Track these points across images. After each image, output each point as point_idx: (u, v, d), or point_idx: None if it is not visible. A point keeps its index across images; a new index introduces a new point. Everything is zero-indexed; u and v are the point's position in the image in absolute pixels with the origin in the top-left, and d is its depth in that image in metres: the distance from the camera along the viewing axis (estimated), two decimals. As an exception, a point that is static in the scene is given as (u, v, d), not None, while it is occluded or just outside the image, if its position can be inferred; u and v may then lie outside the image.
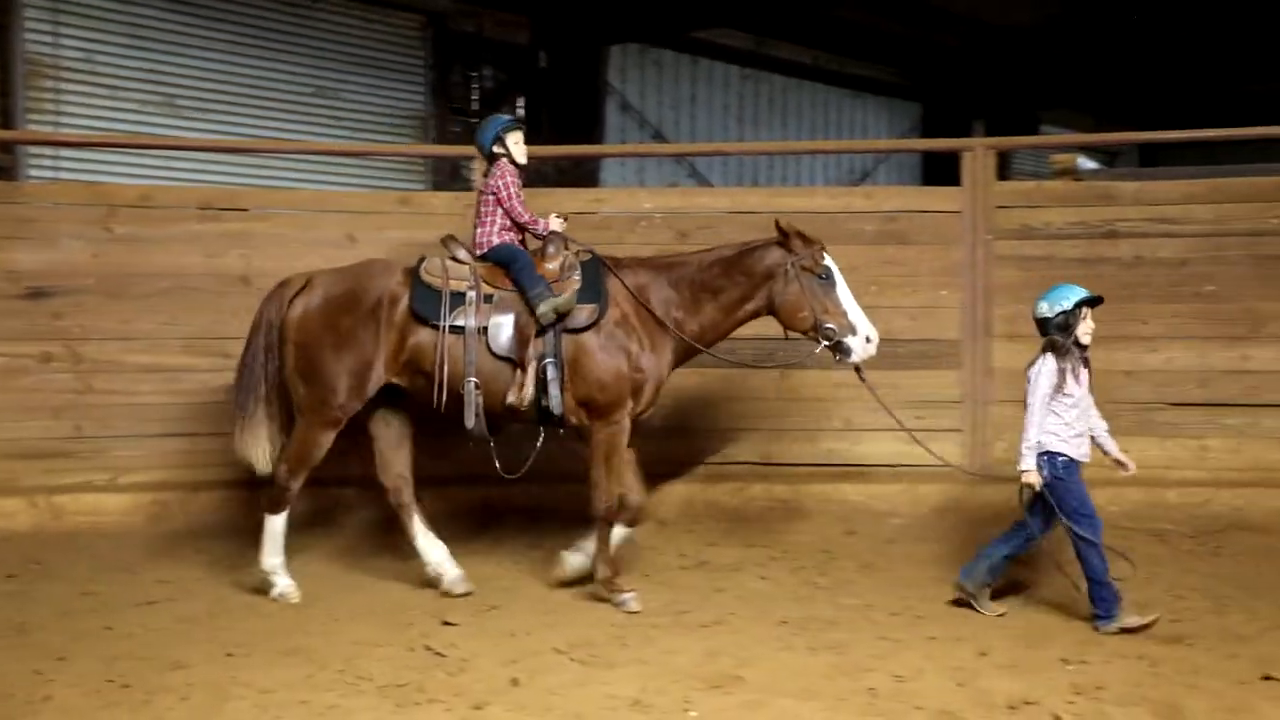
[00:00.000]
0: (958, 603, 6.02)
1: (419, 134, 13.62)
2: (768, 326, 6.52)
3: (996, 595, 6.03)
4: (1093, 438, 5.93)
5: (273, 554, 6.37)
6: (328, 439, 6.38)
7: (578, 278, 6.30)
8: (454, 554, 6.50)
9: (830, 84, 18.48)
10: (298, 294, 6.47)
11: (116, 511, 7.74)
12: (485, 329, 6.24)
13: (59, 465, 7.82)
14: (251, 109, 12.42)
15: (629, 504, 6.44)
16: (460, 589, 6.31)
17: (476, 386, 6.23)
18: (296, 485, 6.39)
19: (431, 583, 6.40)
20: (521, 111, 14.19)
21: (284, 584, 6.31)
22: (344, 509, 7.96)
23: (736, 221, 8.17)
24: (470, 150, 7.24)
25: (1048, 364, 5.77)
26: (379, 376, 6.32)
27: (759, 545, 7.21)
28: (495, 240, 6.47)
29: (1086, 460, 5.86)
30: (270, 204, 8.63)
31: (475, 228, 6.56)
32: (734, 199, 8.96)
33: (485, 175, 6.65)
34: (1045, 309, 5.83)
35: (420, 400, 6.39)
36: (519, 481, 6.47)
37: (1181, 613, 5.96)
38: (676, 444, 7.97)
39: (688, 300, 6.37)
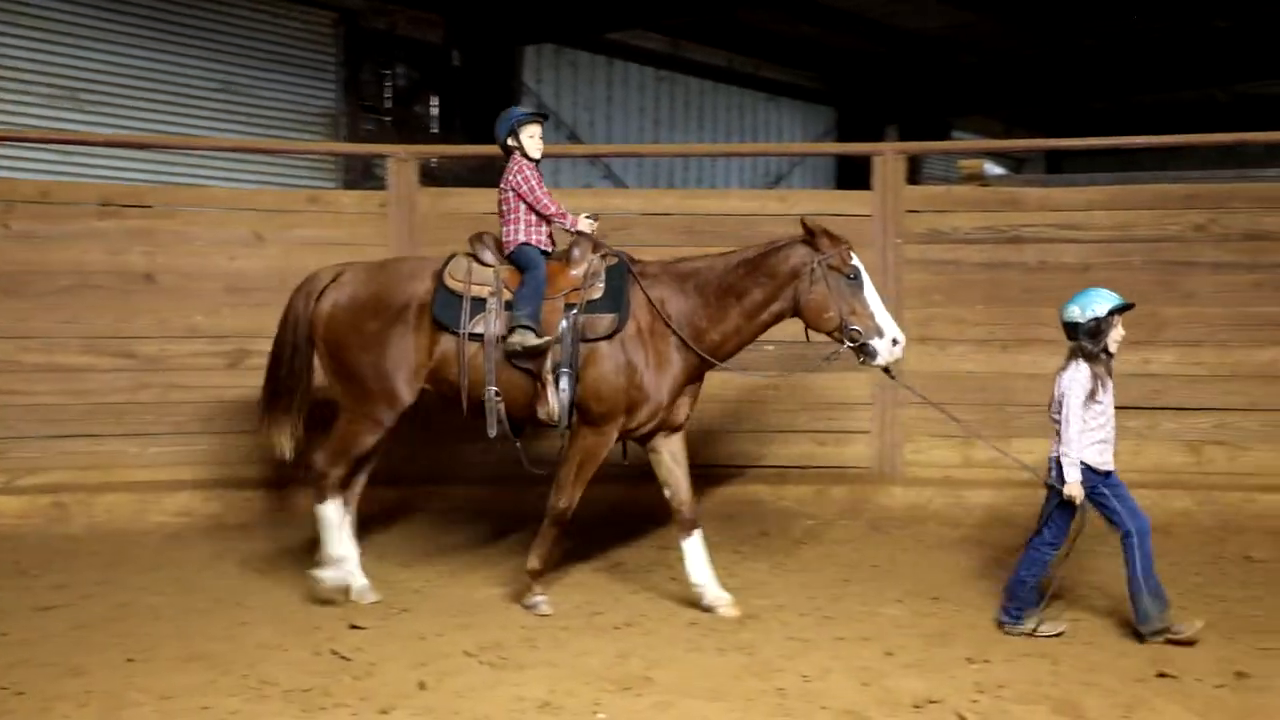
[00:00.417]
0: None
1: (330, 132, 13.45)
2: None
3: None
4: None
5: (335, 545, 6.20)
6: (370, 438, 6.26)
7: (601, 285, 6.12)
8: (366, 555, 6.45)
9: (746, 87, 18.58)
10: (326, 288, 6.36)
11: (12, 514, 7.57)
12: (504, 337, 6.06)
13: (-48, 467, 7.59)
14: (157, 104, 12.16)
15: (683, 518, 6.27)
16: (369, 599, 6.22)
17: (497, 394, 6.10)
18: (337, 473, 6.25)
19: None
20: (435, 111, 14.10)
21: (358, 583, 6.19)
22: (253, 512, 7.87)
23: (650, 223, 8.22)
24: (382, 148, 7.17)
25: (1081, 371, 5.62)
26: (414, 382, 6.21)
27: (672, 547, 7.18)
28: (521, 239, 6.28)
29: (1112, 469, 5.70)
30: (175, 201, 8.52)
31: (501, 226, 6.39)
32: (648, 200, 8.97)
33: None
34: (1077, 314, 5.65)
35: (449, 404, 6.29)
36: (436, 483, 6.47)
37: (1080, 611, 6.07)
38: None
39: (713, 306, 6.12)
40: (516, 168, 6.31)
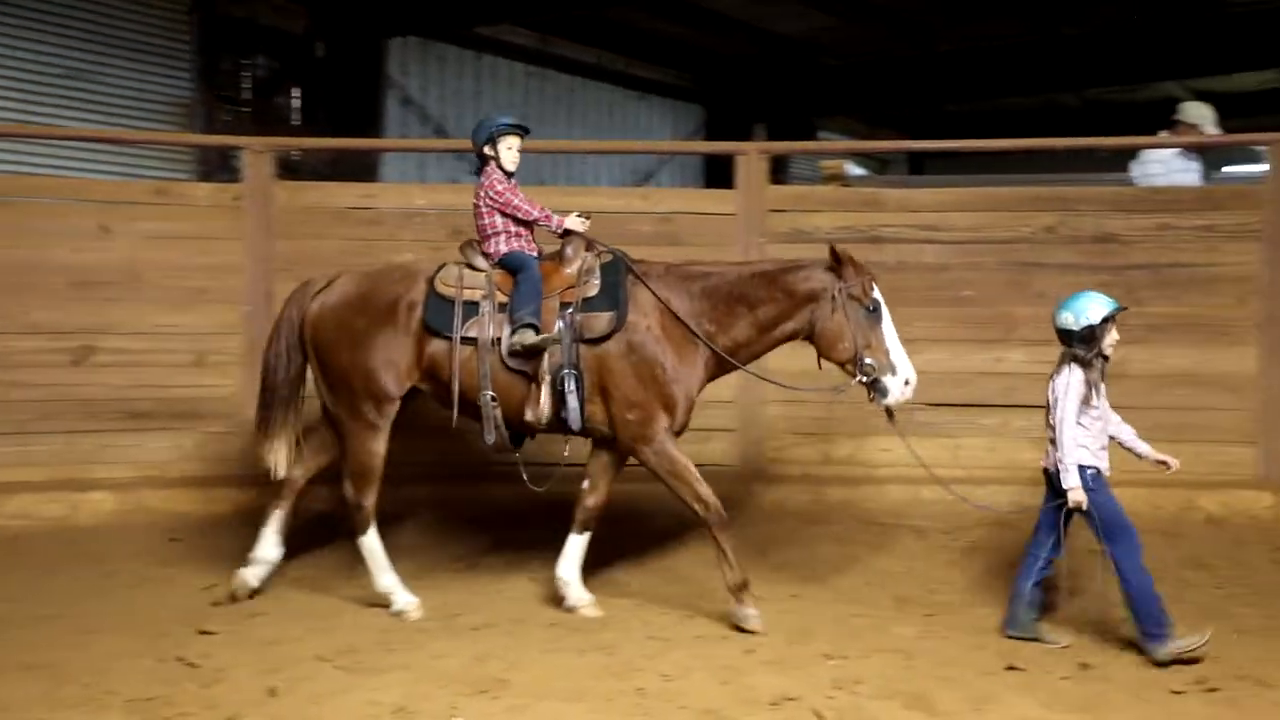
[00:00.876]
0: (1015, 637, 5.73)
1: (185, 122, 13.03)
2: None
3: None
4: (1123, 444, 5.80)
5: (381, 573, 6.11)
6: (377, 446, 6.09)
7: (597, 282, 5.98)
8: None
9: (616, 85, 18.56)
10: (317, 294, 6.21)
11: None
12: (499, 340, 5.94)
13: None
14: (-2, 91, 11.66)
15: (585, 504, 6.23)
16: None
17: (494, 399, 5.96)
18: (369, 502, 6.12)
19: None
20: (297, 102, 13.79)
21: (404, 601, 6.04)
22: (101, 514, 7.60)
23: (511, 219, 8.13)
24: (235, 140, 6.98)
25: (1075, 375, 5.57)
26: (401, 379, 6.06)
27: (532, 547, 7.15)
28: (504, 249, 6.13)
29: (1108, 472, 5.68)
30: (12, 191, 8.17)
31: (481, 239, 6.21)
32: (512, 197, 8.86)
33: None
34: (1070, 320, 5.60)
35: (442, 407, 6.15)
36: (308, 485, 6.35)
37: (935, 606, 6.20)
38: (449, 442, 7.86)
39: (721, 313, 5.98)
40: (488, 181, 6.18)
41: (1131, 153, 8.97)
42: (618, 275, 6.02)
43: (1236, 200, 7.95)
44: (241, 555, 6.33)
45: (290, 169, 11.23)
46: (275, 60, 13.69)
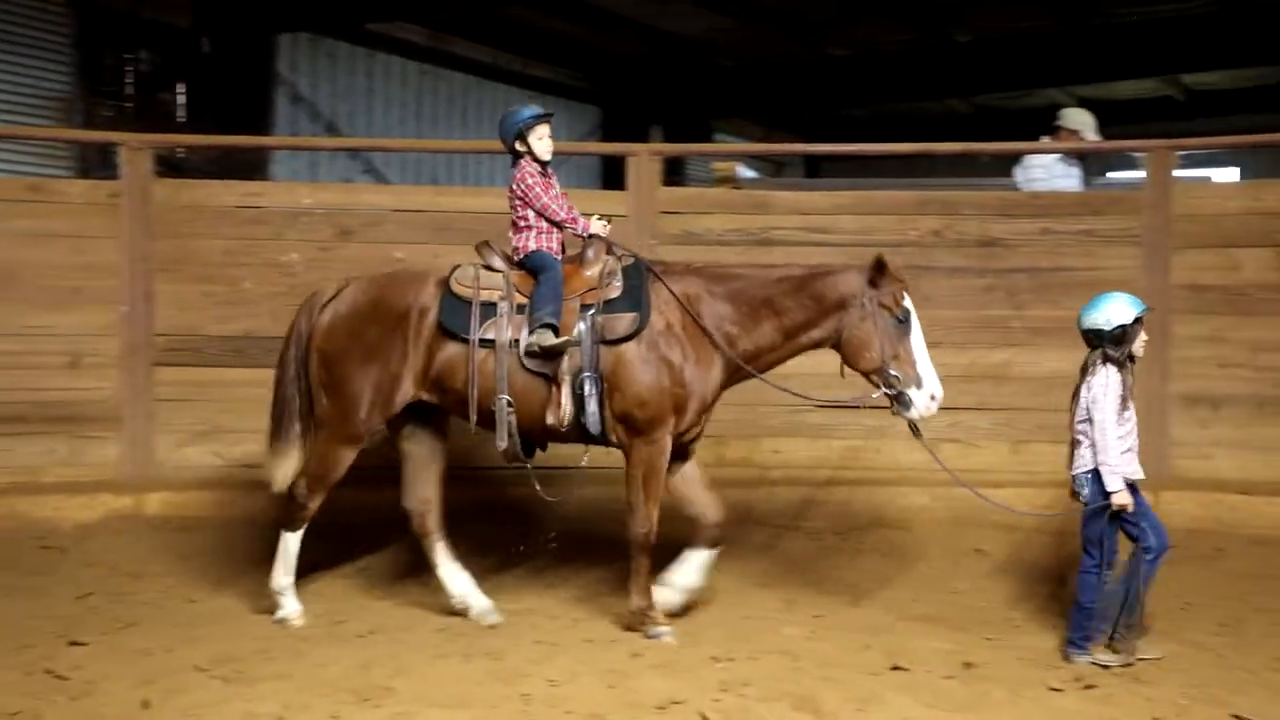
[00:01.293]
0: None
1: (62, 117, 12.66)
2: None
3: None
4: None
5: (284, 574, 5.97)
6: (348, 456, 5.97)
7: (619, 284, 5.84)
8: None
9: (512, 84, 18.48)
10: (327, 303, 6.02)
11: None
12: (517, 342, 5.78)
13: None
14: None
15: (706, 523, 6.03)
16: (490, 620, 5.95)
17: (509, 404, 5.80)
18: (315, 504, 5.98)
19: (458, 613, 6.05)
20: (182, 99, 13.49)
21: (290, 608, 5.88)
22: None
23: (401, 220, 8.05)
24: (112, 136, 6.79)
25: (1111, 378, 5.45)
26: (406, 392, 5.89)
27: (420, 551, 7.05)
28: (532, 246, 5.98)
29: (1141, 477, 5.55)
30: None
31: (511, 234, 6.07)
32: (399, 196, 8.75)
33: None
34: (1101, 320, 5.49)
35: (456, 416, 5.99)
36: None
37: (823, 607, 6.23)
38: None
39: (745, 316, 5.84)
40: (521, 174, 6.04)
41: (1016, 157, 9.14)
42: (640, 278, 5.91)
43: (1115, 206, 8.12)
44: (116, 563, 6.16)
45: (175, 167, 10.97)
46: (159, 55, 13.39)
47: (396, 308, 5.97)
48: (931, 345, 5.84)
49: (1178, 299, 7.79)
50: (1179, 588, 6.42)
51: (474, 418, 5.88)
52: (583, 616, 6.02)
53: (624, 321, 5.78)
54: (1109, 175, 15.75)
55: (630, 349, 5.78)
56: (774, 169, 20.64)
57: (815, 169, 21.67)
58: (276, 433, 6.12)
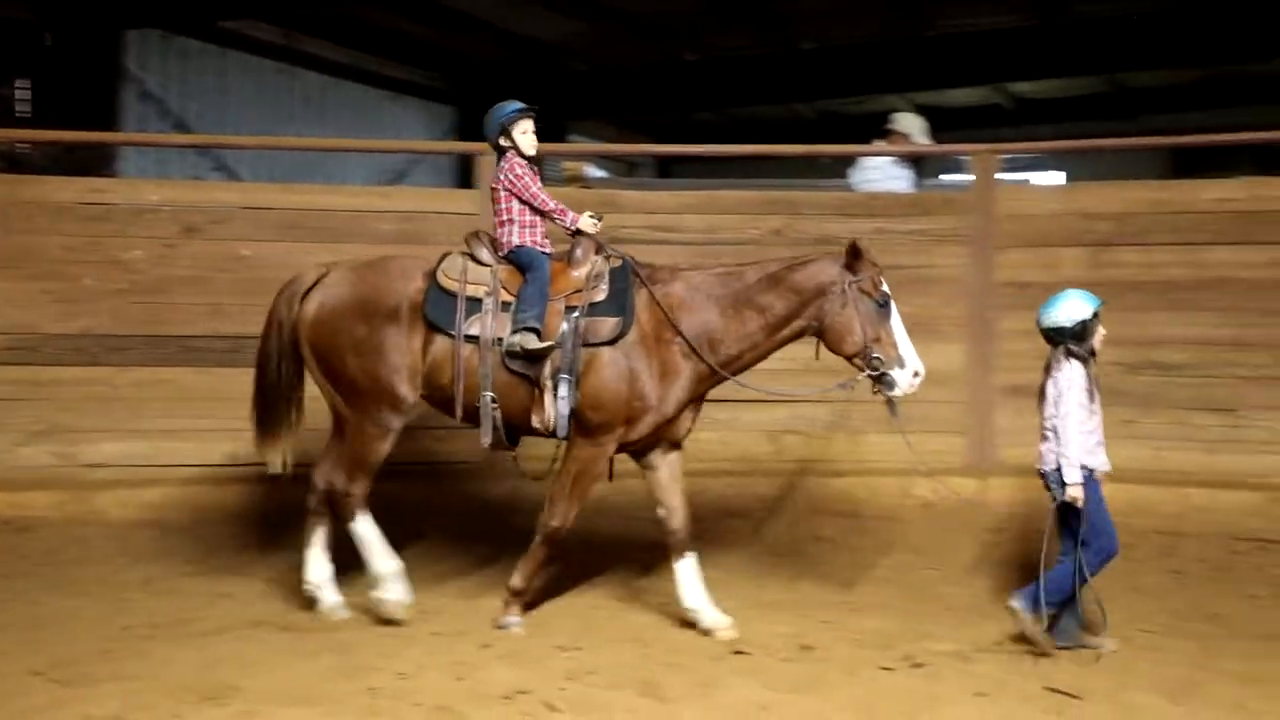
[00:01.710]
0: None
1: (-104, 114, 12.26)
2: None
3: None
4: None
5: (378, 558, 5.96)
6: (384, 447, 5.92)
7: (605, 287, 5.81)
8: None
9: (369, 84, 18.38)
10: (310, 290, 5.87)
11: None
12: (500, 340, 5.72)
13: None
14: None
15: (673, 529, 6.01)
16: (339, 615, 5.99)
17: (494, 401, 5.73)
18: (360, 489, 5.93)
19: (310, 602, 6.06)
20: (24, 94, 13.10)
21: (397, 592, 5.93)
22: None
23: (249, 217, 7.98)
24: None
25: (1076, 372, 5.56)
26: (415, 381, 5.81)
27: (268, 549, 7.03)
28: (516, 241, 5.92)
29: (1108, 470, 5.66)
30: None
31: (495, 228, 5.99)
32: (247, 194, 8.63)
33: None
34: (1061, 318, 5.61)
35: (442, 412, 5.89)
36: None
37: (669, 595, 6.37)
38: (182, 444, 7.71)
39: (731, 317, 5.83)
40: (508, 165, 5.97)
41: (852, 159, 9.44)
42: (626, 281, 5.89)
43: (945, 206, 8.44)
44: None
45: (17, 163, 10.69)
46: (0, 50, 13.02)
47: (388, 303, 5.90)
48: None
49: (1001, 295, 8.11)
50: (1006, 569, 6.75)
51: (459, 411, 5.89)
52: (432, 609, 6.04)
53: (607, 326, 5.78)
54: (941, 178, 16.31)
55: (605, 352, 5.78)
56: (627, 169, 20.86)
57: (667, 170, 21.98)
58: (263, 420, 6.10)
